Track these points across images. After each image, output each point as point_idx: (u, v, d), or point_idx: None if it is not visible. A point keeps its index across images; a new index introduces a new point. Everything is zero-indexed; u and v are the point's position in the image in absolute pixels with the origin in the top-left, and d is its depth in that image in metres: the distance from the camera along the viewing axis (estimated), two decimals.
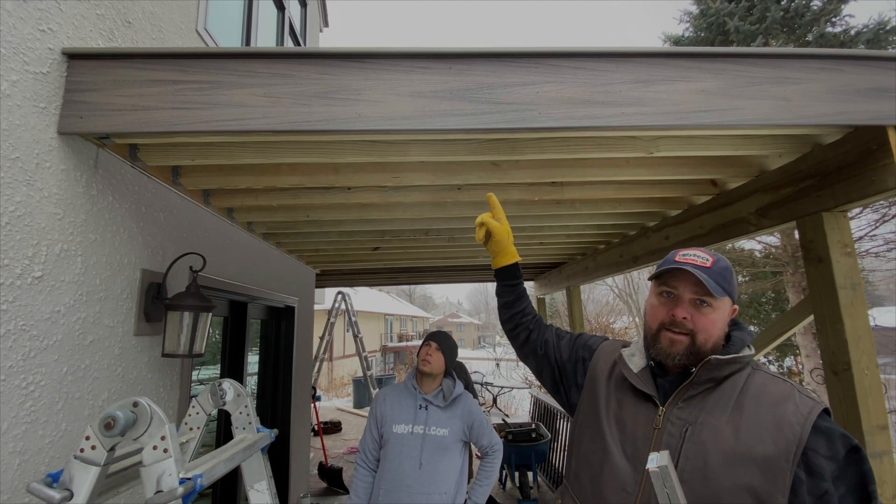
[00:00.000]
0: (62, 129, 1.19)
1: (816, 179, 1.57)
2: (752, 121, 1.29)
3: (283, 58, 1.26)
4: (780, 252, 8.36)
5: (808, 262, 1.59)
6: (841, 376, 1.46)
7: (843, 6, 7.85)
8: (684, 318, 0.87)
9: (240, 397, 1.16)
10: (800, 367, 9.09)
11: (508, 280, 1.22)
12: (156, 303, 1.57)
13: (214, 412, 1.20)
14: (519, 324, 1.22)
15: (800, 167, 1.65)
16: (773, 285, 9.11)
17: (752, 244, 9.19)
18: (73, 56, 1.23)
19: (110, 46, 1.33)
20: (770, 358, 9.38)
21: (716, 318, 0.87)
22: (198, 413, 1.12)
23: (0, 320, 1.02)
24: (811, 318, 1.68)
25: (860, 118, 1.30)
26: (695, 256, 0.90)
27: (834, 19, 7.95)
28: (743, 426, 0.79)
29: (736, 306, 0.91)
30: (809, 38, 8.02)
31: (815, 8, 7.99)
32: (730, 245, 8.89)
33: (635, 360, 0.96)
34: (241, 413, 1.15)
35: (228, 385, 1.15)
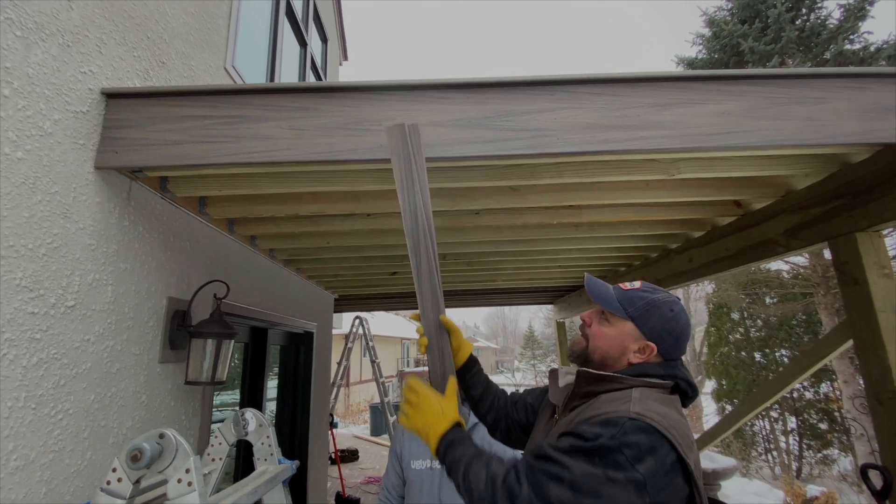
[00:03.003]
0: (99, 164, 1.25)
1: (847, 198, 1.52)
2: (777, 141, 1.27)
3: (307, 92, 1.31)
4: (810, 272, 8.07)
5: (844, 284, 1.52)
6: (887, 406, 1.37)
7: (860, 23, 7.80)
8: (584, 320, 1.00)
9: (262, 427, 1.15)
10: (837, 393, 8.62)
11: (473, 367, 1.18)
12: (180, 330, 1.59)
13: (235, 440, 1.20)
14: (502, 414, 1.17)
15: (829, 186, 1.61)
16: (804, 307, 8.76)
17: (779, 264, 8.92)
18: (111, 95, 1.30)
19: (146, 86, 1.40)
20: (804, 384, 8.93)
21: (608, 333, 0.93)
22: (220, 443, 1.11)
23: (34, 349, 1.05)
24: (849, 343, 1.60)
25: (891, 136, 1.26)
26: (630, 284, 0.97)
27: (852, 36, 7.89)
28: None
29: (651, 343, 0.89)
30: (827, 55, 7.96)
31: (832, 26, 7.96)
32: (754, 267, 8.64)
33: (567, 377, 0.97)
34: (263, 444, 1.14)
35: (251, 415, 1.15)
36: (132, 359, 1.38)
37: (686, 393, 0.90)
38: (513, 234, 2.27)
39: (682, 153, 1.39)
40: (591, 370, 0.89)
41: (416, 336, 1.12)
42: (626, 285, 0.97)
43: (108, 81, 1.31)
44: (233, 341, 1.64)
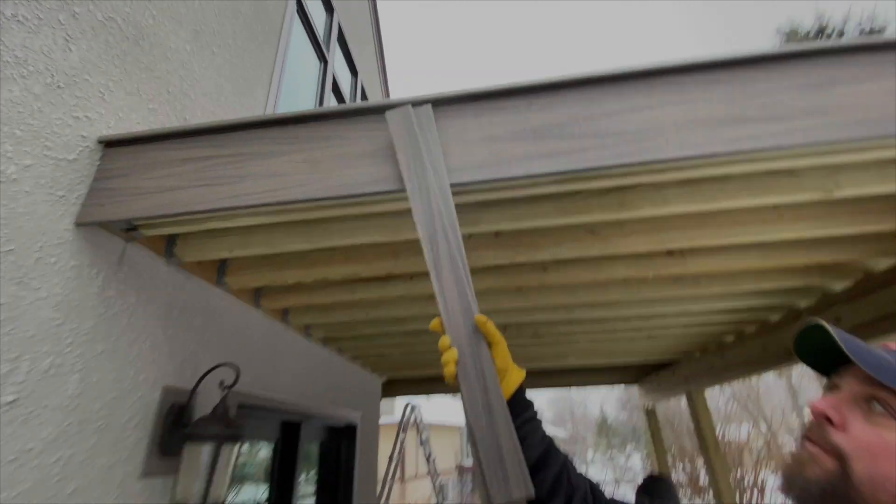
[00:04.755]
0: (81, 220, 1.02)
1: None
2: None
3: (326, 119, 1.05)
4: None
5: None
6: None
7: None
8: (829, 417, 0.50)
9: None
10: None
11: (525, 411, 0.71)
12: (176, 431, 1.25)
13: None
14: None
15: None
16: None
17: None
18: (110, 144, 1.12)
19: (146, 129, 1.23)
20: None
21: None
22: None
23: None
24: None
25: None
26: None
27: None
28: None
29: None
30: None
31: None
32: None
33: None
34: None
35: None
36: (98, 473, 1.03)
37: None
38: (590, 294, 1.81)
39: (845, 154, 0.95)
40: None
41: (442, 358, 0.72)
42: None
43: (109, 130, 1.14)
44: (238, 445, 1.26)
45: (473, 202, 1.15)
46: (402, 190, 0.93)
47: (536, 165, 0.91)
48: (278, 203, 0.97)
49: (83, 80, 1.08)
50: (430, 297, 1.83)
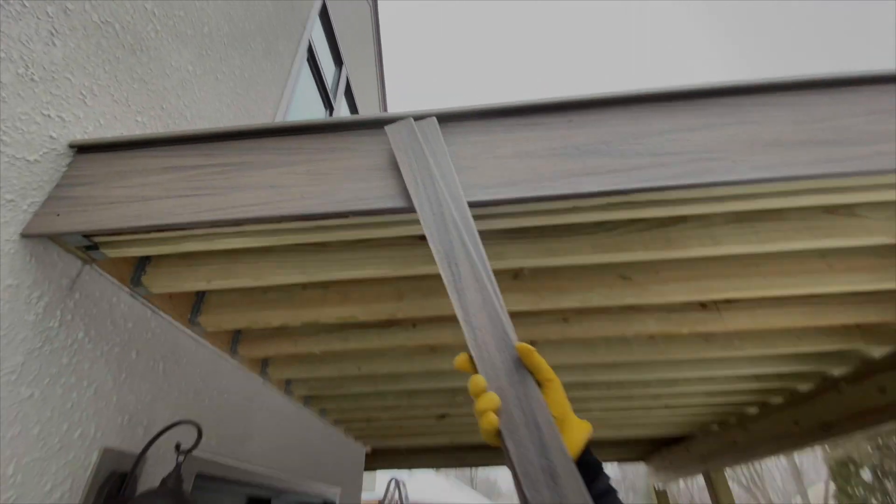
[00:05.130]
0: (28, 231, 0.84)
1: None
2: None
3: (338, 130, 0.93)
4: None
5: None
6: None
7: None
8: None
9: None
10: None
11: (597, 479, 0.51)
12: None
13: None
14: None
15: None
16: None
17: None
18: (82, 149, 0.97)
19: (127, 135, 1.09)
20: None
21: None
22: None
23: None
24: None
25: None
26: None
27: None
28: None
29: None
30: None
31: None
32: None
33: None
34: None
35: None
36: None
37: None
38: (612, 352, 1.62)
39: None
40: None
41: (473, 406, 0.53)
42: None
43: (86, 136, 1.00)
44: None
45: (497, 230, 1.00)
46: (412, 209, 0.78)
47: (585, 183, 0.78)
48: (272, 218, 0.81)
49: (63, 79, 0.96)
50: (433, 349, 1.62)
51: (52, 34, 0.94)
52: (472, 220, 0.73)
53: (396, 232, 0.93)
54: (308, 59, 2.70)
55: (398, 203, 0.81)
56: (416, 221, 0.83)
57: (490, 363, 0.57)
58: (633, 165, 0.79)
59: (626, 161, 0.80)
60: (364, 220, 0.88)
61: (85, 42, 1.02)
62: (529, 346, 0.56)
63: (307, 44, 2.57)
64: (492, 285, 0.66)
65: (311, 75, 2.78)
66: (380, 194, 0.82)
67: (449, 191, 0.77)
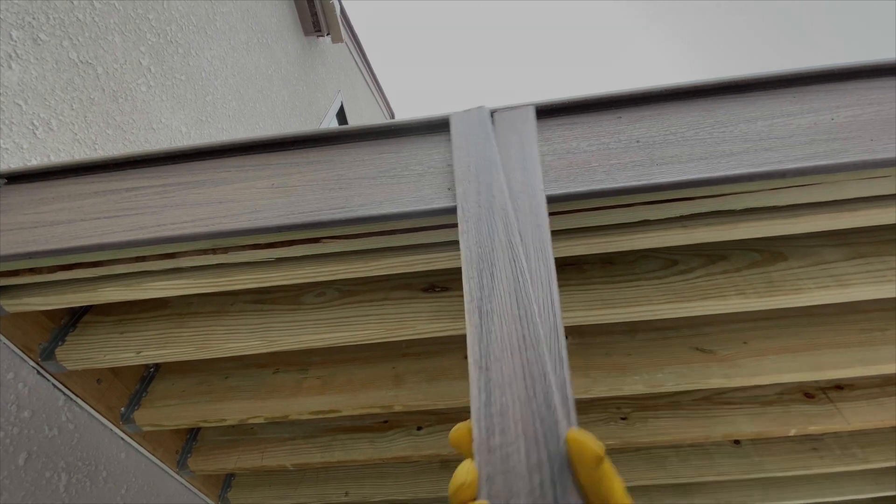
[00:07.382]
0: None
1: None
2: None
3: (320, 144, 0.74)
4: None
5: None
6: None
7: None
8: None
9: None
10: None
11: None
12: None
13: None
14: None
15: None
16: None
17: None
18: (12, 178, 0.79)
19: (66, 160, 0.91)
20: None
21: None
22: None
23: None
24: None
25: None
26: None
27: None
28: None
29: None
30: None
31: None
32: None
33: None
34: None
35: None
36: None
37: None
38: (687, 467, 1.19)
39: None
40: None
41: None
42: None
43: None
44: None
45: None
46: (422, 212, 0.54)
47: (654, 173, 0.54)
48: (208, 234, 0.58)
49: (12, 104, 0.82)
50: (447, 463, 1.22)
51: (10, 57, 0.83)
52: (546, 218, 0.48)
53: (386, 263, 0.66)
54: None
55: (394, 209, 0.57)
56: (420, 212, 0.58)
57: (504, 451, 0.27)
58: (726, 151, 0.56)
59: (713, 147, 0.57)
60: (337, 247, 0.63)
61: (53, 75, 0.91)
62: (598, 448, 0.27)
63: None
64: (553, 318, 0.38)
65: None
66: (367, 201, 0.59)
67: (517, 183, 0.53)
